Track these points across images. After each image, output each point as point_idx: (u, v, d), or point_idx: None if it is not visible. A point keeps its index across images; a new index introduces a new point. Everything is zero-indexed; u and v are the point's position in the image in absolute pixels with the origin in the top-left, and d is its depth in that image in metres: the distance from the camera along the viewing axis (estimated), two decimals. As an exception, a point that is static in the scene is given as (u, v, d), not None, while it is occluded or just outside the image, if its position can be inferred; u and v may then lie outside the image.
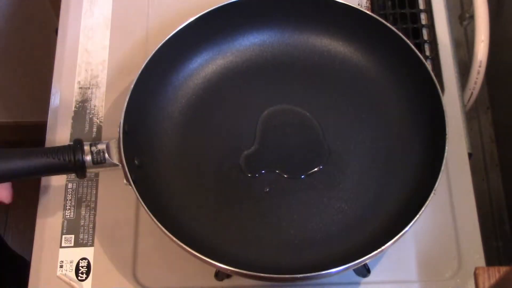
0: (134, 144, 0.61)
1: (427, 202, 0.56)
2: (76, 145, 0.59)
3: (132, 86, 0.62)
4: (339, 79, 0.68)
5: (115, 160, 0.60)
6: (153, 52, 0.64)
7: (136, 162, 0.61)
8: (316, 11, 0.68)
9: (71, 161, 0.59)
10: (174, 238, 0.55)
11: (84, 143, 0.60)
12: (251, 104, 0.68)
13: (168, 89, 0.67)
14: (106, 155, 0.59)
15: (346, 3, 0.67)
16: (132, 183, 0.58)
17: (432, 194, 0.56)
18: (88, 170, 0.60)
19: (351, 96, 0.68)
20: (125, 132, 0.60)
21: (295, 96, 0.68)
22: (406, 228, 0.55)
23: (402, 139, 0.65)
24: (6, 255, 1.00)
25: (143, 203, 0.56)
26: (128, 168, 0.58)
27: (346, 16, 0.67)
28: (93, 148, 0.60)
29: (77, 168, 0.59)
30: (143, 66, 0.63)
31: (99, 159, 0.59)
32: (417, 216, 0.56)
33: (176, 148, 0.65)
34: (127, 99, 0.61)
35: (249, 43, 0.70)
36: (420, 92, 0.64)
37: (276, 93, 0.68)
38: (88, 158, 0.59)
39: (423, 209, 0.56)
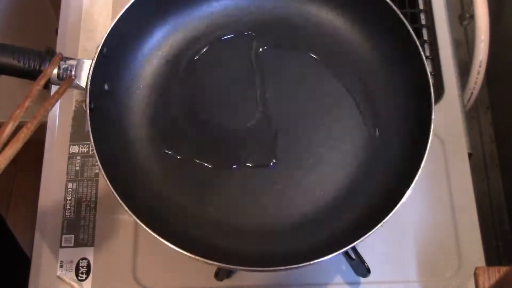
0: (109, 67, 0.58)
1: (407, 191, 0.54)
2: (46, 54, 0.56)
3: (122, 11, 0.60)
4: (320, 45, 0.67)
5: (81, 81, 0.56)
6: None
7: (106, 86, 0.58)
8: None
9: (35, 69, 0.55)
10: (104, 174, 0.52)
11: (57, 55, 0.56)
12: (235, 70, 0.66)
13: (156, 32, 0.66)
14: (73, 73, 0.56)
15: None
16: (88, 109, 0.54)
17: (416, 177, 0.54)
18: (53, 84, 0.57)
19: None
20: (103, 55, 0.57)
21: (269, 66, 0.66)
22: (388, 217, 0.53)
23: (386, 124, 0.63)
24: (16, 254, 1.00)
25: (90, 130, 0.53)
26: (91, 92, 0.55)
27: None
28: (62, 63, 0.56)
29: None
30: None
31: (65, 76, 0.56)
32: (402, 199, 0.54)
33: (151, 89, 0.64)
34: (115, 20, 0.59)
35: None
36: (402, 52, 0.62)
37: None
38: (54, 71, 0.56)
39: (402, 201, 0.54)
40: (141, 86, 0.64)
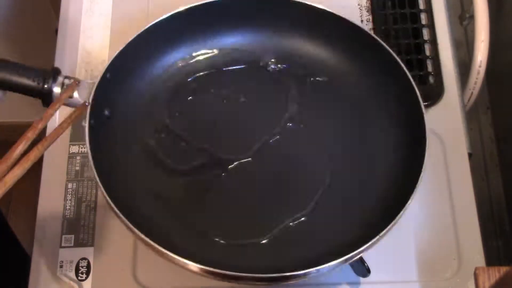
0: (110, 93, 0.60)
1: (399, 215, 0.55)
2: (51, 72, 0.58)
3: (128, 41, 0.62)
4: (321, 85, 0.68)
5: (82, 99, 0.58)
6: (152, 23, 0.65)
7: (106, 112, 0.61)
8: (299, 17, 0.67)
9: (39, 84, 0.57)
10: (107, 197, 0.54)
11: (62, 74, 0.59)
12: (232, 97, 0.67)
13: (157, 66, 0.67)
14: (76, 92, 0.58)
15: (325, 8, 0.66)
16: (88, 125, 0.56)
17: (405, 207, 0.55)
18: (68, 106, 0.59)
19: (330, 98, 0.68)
20: (106, 79, 0.59)
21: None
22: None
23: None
24: (17, 253, 1.00)
25: (88, 146, 0.55)
26: (91, 111, 0.57)
27: (326, 23, 0.66)
28: (66, 80, 0.58)
29: (43, 95, 0.58)
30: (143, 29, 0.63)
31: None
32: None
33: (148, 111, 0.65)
34: (120, 49, 0.61)
35: (232, 42, 0.70)
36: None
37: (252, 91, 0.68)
38: (57, 89, 0.58)
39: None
40: (143, 112, 0.65)
